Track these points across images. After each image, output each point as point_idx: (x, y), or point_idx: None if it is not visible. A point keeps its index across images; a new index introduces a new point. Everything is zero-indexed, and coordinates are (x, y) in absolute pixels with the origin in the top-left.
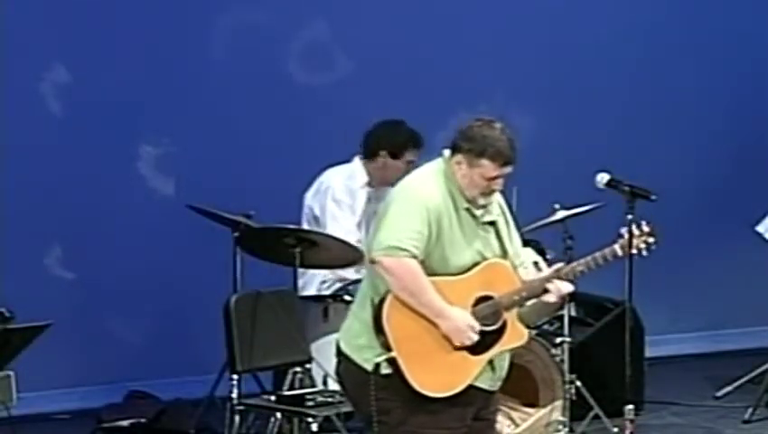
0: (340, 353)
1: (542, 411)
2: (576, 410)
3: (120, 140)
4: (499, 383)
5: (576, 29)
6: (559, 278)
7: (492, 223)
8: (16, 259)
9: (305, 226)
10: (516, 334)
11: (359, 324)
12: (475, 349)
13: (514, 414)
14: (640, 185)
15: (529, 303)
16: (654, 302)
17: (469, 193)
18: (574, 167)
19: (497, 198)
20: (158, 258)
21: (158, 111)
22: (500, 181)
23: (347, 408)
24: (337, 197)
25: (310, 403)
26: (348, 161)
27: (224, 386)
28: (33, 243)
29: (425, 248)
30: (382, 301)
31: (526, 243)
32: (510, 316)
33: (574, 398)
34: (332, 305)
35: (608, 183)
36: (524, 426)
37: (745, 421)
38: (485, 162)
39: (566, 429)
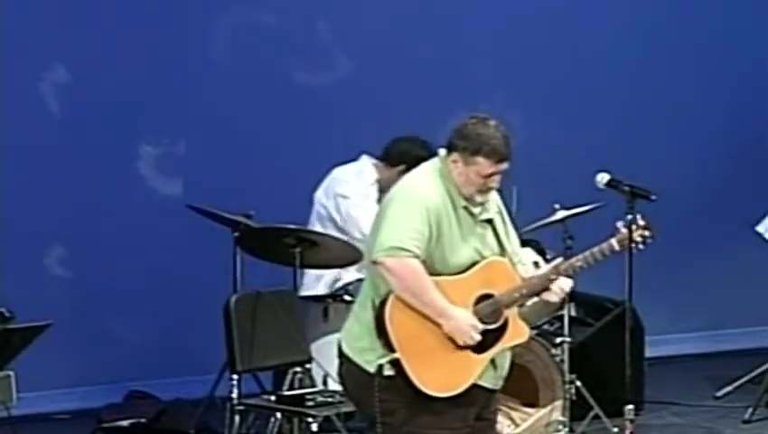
0: (341, 354)
1: (542, 411)
2: (576, 410)
3: (120, 140)
4: (501, 382)
5: (576, 29)
6: (558, 274)
7: (490, 221)
8: (16, 259)
9: (316, 223)
10: (517, 332)
11: (360, 325)
12: (478, 348)
13: (514, 414)
14: (640, 185)
15: (530, 303)
16: (654, 302)
17: (466, 192)
18: (574, 167)
19: (494, 196)
20: (158, 258)
21: (158, 111)
22: (496, 178)
23: (347, 408)
24: (358, 201)
25: (310, 403)
26: (354, 159)
27: (224, 386)
28: (33, 243)
29: (425, 247)
30: (384, 302)
31: (526, 243)
32: (511, 314)
33: (574, 398)
34: (332, 305)
35: (608, 184)
36: (524, 426)
37: (745, 421)
38: (481, 159)
39: (566, 429)
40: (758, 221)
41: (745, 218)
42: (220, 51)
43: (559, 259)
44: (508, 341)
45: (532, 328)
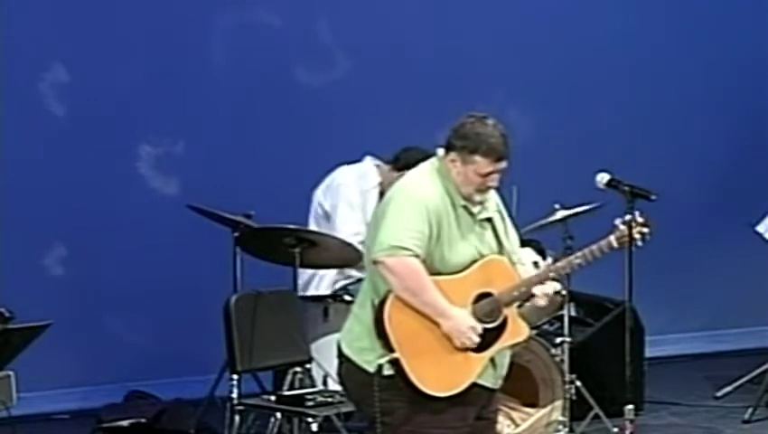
0: (341, 354)
1: (542, 411)
2: (576, 410)
3: (120, 140)
4: (501, 381)
5: (576, 29)
6: (557, 272)
7: (489, 220)
8: (16, 259)
9: (312, 222)
10: (517, 330)
11: (360, 326)
12: (477, 347)
13: (514, 414)
14: (640, 185)
15: (529, 303)
16: (654, 302)
17: (465, 191)
18: (574, 167)
19: (493, 195)
20: (158, 258)
21: (158, 111)
22: (495, 177)
23: (347, 408)
24: (350, 198)
25: (310, 403)
26: (357, 160)
27: (224, 386)
28: (33, 243)
29: (425, 247)
30: (383, 302)
31: (526, 243)
32: (511, 312)
33: (574, 398)
34: (332, 305)
35: (608, 184)
36: (524, 426)
37: (745, 421)
38: (479, 158)
39: (566, 429)
40: (758, 221)
41: (745, 218)
42: (220, 51)
43: (551, 261)
44: (507, 339)
45: (532, 328)
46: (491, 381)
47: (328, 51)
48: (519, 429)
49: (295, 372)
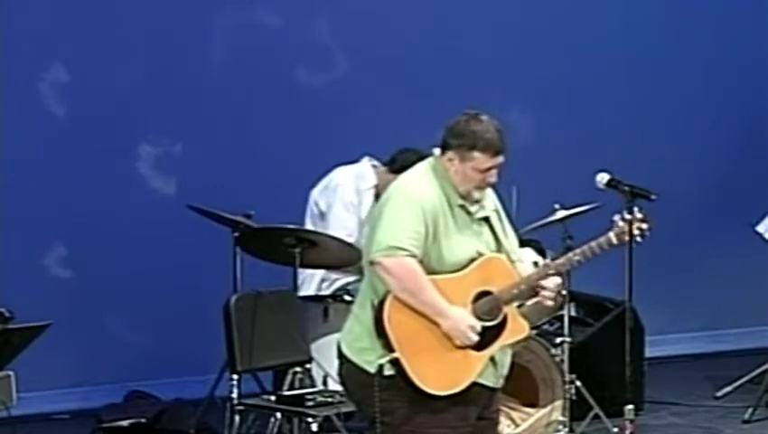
0: (341, 355)
1: (542, 411)
2: (576, 410)
3: (120, 140)
4: (502, 381)
5: (576, 29)
6: (556, 269)
7: (487, 219)
8: (16, 259)
9: (308, 222)
10: (517, 328)
11: (359, 326)
12: (477, 345)
13: (514, 414)
14: (640, 185)
15: (530, 303)
16: (654, 302)
17: (463, 189)
18: (574, 167)
19: (490, 194)
20: (158, 258)
21: (158, 111)
22: (493, 172)
23: (347, 408)
24: (346, 198)
25: (310, 403)
26: (356, 161)
27: (224, 386)
28: (33, 243)
29: (422, 247)
30: (382, 302)
31: (526, 243)
32: (511, 310)
33: (574, 398)
34: (332, 305)
35: (608, 184)
36: (524, 426)
37: (745, 421)
38: (477, 154)
39: (566, 429)
40: (758, 221)
41: (745, 218)
42: (220, 51)
43: (551, 260)
44: (508, 337)
45: (532, 328)
46: (492, 380)
47: (328, 51)
48: (519, 429)
49: (295, 372)
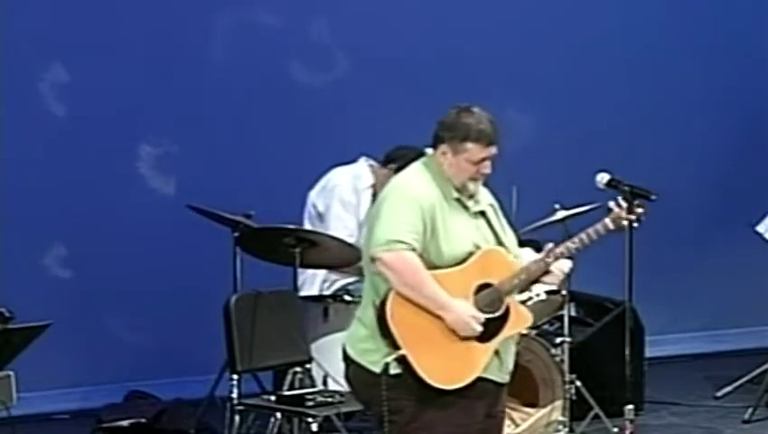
0: (347, 357)
1: (542, 411)
2: (576, 410)
3: (120, 140)
4: (507, 377)
5: (576, 29)
6: (555, 257)
7: (483, 214)
8: (16, 259)
9: (307, 223)
10: (520, 318)
11: (363, 328)
12: (481, 337)
13: (514, 414)
14: (640, 185)
15: (530, 303)
16: (654, 302)
17: (458, 182)
18: (574, 167)
19: (484, 191)
20: (158, 258)
21: (158, 111)
22: (487, 164)
23: (347, 408)
24: (344, 198)
25: (310, 403)
26: (353, 161)
27: (224, 386)
28: (33, 243)
29: (421, 242)
30: (384, 301)
31: (526, 243)
32: (512, 301)
33: (574, 398)
34: (332, 305)
35: (608, 184)
36: (524, 426)
37: (745, 421)
38: (470, 145)
39: (566, 429)
40: (758, 221)
41: (745, 218)
42: (220, 51)
43: (551, 244)
44: (511, 328)
45: (532, 328)
46: (498, 374)
47: (327, 51)
48: (519, 429)
49: (295, 372)
